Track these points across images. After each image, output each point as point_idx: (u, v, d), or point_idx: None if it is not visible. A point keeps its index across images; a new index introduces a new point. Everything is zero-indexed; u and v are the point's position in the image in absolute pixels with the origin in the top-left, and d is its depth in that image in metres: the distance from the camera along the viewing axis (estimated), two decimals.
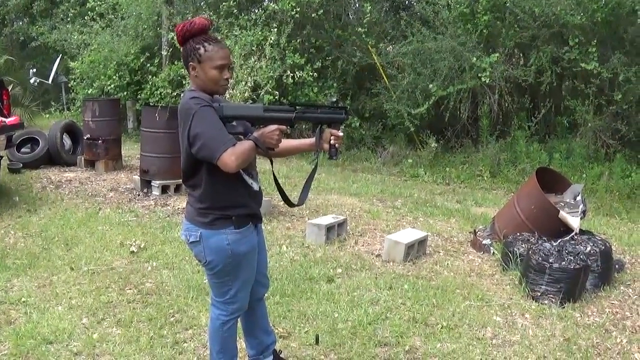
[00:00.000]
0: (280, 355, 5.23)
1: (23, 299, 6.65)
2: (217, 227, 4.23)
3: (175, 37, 17.10)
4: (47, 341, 5.69)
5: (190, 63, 4.13)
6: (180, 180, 11.30)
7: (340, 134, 4.29)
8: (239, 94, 13.42)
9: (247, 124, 4.31)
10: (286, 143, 4.42)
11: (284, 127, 4.11)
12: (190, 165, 4.20)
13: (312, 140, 4.41)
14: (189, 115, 3.99)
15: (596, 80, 13.53)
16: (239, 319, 4.74)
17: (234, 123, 4.14)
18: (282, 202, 10.44)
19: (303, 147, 4.66)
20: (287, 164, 15.28)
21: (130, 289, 6.99)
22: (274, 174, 4.77)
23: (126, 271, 7.48)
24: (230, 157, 3.84)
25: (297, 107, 4.25)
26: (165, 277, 7.21)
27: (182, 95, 4.21)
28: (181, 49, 4.23)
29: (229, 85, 4.35)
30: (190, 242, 4.36)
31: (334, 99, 4.54)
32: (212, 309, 4.62)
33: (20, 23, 26.73)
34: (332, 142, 4.26)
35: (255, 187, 4.39)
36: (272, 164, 4.66)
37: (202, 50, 4.09)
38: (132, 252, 8.10)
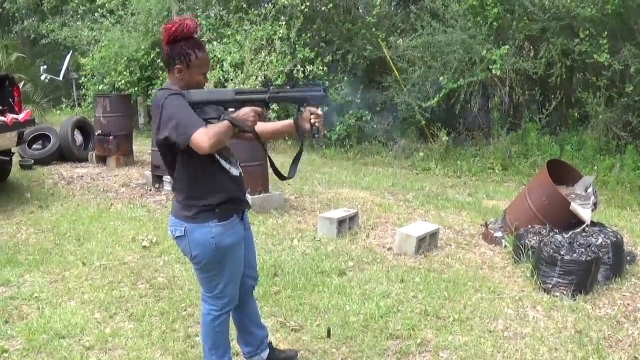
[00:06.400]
0: (275, 346, 5.24)
1: (35, 294, 6.68)
2: (200, 220, 4.21)
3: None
4: (59, 336, 5.71)
5: (178, 65, 4.13)
6: None
7: (319, 111, 4.19)
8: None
9: (221, 109, 4.23)
10: (266, 126, 4.45)
11: (258, 108, 4.06)
12: (166, 159, 4.23)
13: (292, 121, 4.37)
14: (158, 107, 4.01)
15: (607, 72, 13.49)
16: (231, 316, 4.75)
17: (204, 108, 4.11)
18: (294, 196, 10.58)
19: (283, 129, 4.60)
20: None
21: (142, 283, 7.01)
22: (265, 149, 4.76)
23: (138, 266, 7.51)
24: (202, 137, 3.80)
25: (272, 87, 4.20)
26: (177, 272, 7.23)
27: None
28: (165, 47, 4.19)
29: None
30: (176, 237, 4.35)
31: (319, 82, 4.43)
32: (202, 304, 4.61)
33: (31, 20, 26.73)
34: (312, 120, 4.18)
35: (235, 172, 4.35)
36: (260, 141, 4.54)
37: (193, 57, 4.12)
38: (144, 246, 8.12)
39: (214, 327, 4.56)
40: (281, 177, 4.59)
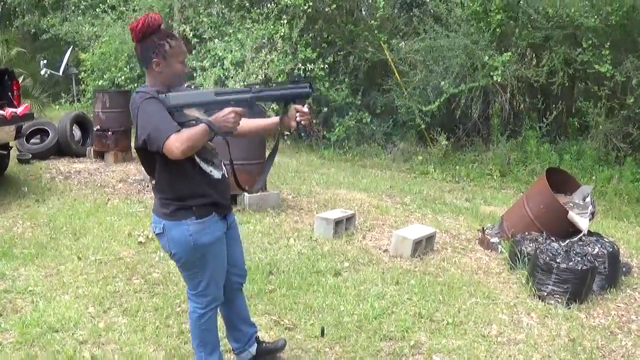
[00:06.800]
0: (261, 340, 5.22)
1: (30, 288, 6.68)
2: (178, 217, 4.20)
3: (184, 30, 17.28)
4: (52, 329, 5.71)
5: (154, 59, 4.08)
6: None
7: (306, 109, 4.13)
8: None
9: (202, 110, 4.18)
10: (250, 123, 4.39)
11: (239, 109, 3.97)
12: (146, 163, 4.22)
13: (278, 118, 4.34)
14: (134, 111, 3.98)
15: (609, 83, 13.54)
16: (218, 313, 4.74)
17: (185, 111, 4.06)
18: (291, 195, 10.58)
19: (268, 127, 4.54)
20: (296, 158, 15.31)
21: (137, 279, 7.00)
22: (230, 156, 4.63)
23: (133, 261, 7.49)
24: (174, 144, 3.76)
25: (255, 86, 4.13)
26: (172, 268, 7.19)
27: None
28: (138, 46, 4.15)
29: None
30: (157, 234, 4.35)
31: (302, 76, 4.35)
32: (189, 302, 4.61)
33: (32, 15, 26.69)
34: (298, 119, 4.12)
35: (216, 174, 4.30)
36: (228, 145, 4.52)
37: (167, 47, 4.07)
38: (140, 242, 8.11)
39: (200, 324, 4.55)
40: (242, 189, 4.59)
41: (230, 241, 4.58)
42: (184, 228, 4.19)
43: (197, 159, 4.16)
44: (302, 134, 4.13)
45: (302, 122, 4.12)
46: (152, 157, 4.07)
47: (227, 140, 4.48)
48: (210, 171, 4.26)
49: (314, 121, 4.33)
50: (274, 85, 4.15)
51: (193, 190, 4.18)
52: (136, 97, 4.02)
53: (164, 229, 4.24)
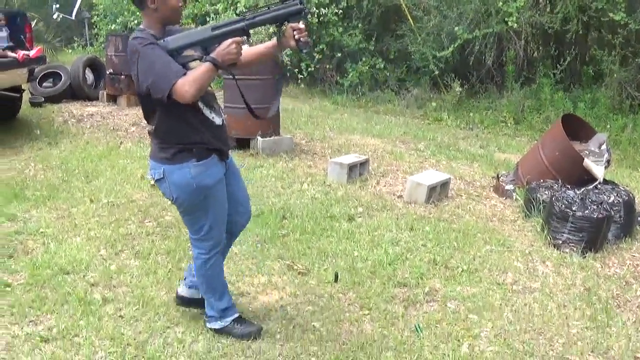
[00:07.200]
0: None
1: (41, 230, 6.69)
2: (178, 161, 4.17)
3: None
4: (64, 271, 5.72)
5: None
6: None
7: (302, 25, 4.07)
8: (263, 31, 13.36)
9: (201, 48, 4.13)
10: (249, 51, 4.34)
11: (239, 38, 3.94)
12: (144, 103, 4.18)
13: (274, 40, 4.28)
14: (134, 56, 3.93)
15: (623, 31, 13.37)
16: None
17: (184, 53, 4.02)
18: (305, 140, 10.54)
19: (267, 51, 4.46)
20: (309, 103, 15.29)
21: (149, 221, 6.99)
22: (239, 88, 4.65)
23: (146, 204, 7.50)
24: (183, 88, 3.77)
25: (247, 13, 4.09)
26: None
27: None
28: None
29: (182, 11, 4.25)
30: (156, 180, 4.32)
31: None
32: (192, 248, 4.61)
33: None
34: (296, 36, 4.06)
35: (218, 121, 4.30)
36: (234, 78, 4.57)
37: None
38: (153, 185, 8.05)
39: (205, 270, 4.56)
40: (255, 116, 4.54)
41: (231, 178, 4.56)
42: (185, 171, 4.17)
43: (200, 104, 4.14)
44: (304, 51, 4.08)
45: (302, 39, 4.07)
46: (152, 103, 4.04)
47: (234, 75, 4.53)
48: (212, 117, 4.25)
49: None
50: (265, 9, 4.06)
51: (194, 138, 4.16)
52: (134, 42, 3.95)
53: (164, 173, 4.21)
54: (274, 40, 4.28)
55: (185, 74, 3.82)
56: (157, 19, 4.07)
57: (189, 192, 4.22)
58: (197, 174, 4.18)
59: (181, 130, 4.13)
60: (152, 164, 4.31)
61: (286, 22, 4.09)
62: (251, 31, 4.05)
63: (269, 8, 4.08)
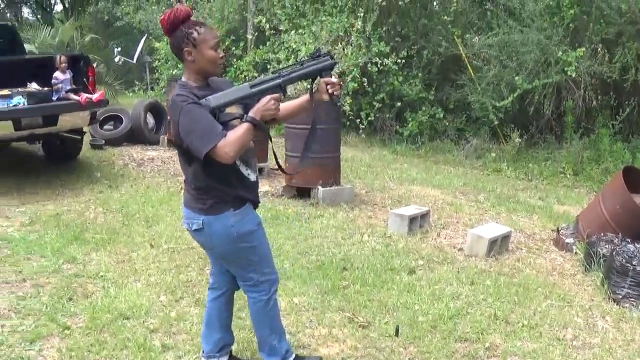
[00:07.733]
0: (237, 356, 5.19)
1: (101, 274, 6.82)
2: (217, 211, 4.24)
3: (260, 21, 17.39)
4: (123, 316, 5.81)
5: (186, 49, 4.11)
6: (266, 162, 11.36)
7: (334, 80, 4.23)
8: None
9: (241, 107, 4.26)
10: (285, 106, 4.41)
11: (276, 95, 4.06)
12: (182, 155, 4.27)
13: (307, 95, 4.40)
14: (176, 113, 4.02)
15: None
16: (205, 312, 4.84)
17: (226, 111, 4.13)
18: (365, 190, 10.61)
19: (302, 105, 4.52)
20: (369, 152, 15.34)
21: (209, 269, 7.08)
22: (271, 143, 4.72)
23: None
24: (224, 149, 3.86)
25: (282, 71, 4.22)
26: None
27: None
28: (170, 39, 4.21)
29: (223, 63, 4.35)
30: (194, 230, 4.38)
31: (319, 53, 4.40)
32: (247, 296, 4.64)
33: (105, 2, 27.02)
34: (329, 90, 4.22)
35: (252, 177, 4.38)
36: (270, 139, 4.63)
37: (195, 34, 4.09)
38: None
39: (268, 311, 4.60)
40: (284, 172, 4.65)
41: None
42: (225, 222, 4.25)
43: (238, 161, 4.22)
44: (337, 103, 4.24)
45: (335, 93, 4.25)
46: (190, 158, 4.15)
47: (270, 137, 4.59)
48: (248, 174, 4.34)
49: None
50: (299, 65, 4.20)
51: (229, 192, 4.25)
52: (176, 99, 4.06)
53: (203, 224, 4.28)
54: (307, 95, 4.41)
55: (225, 135, 3.92)
56: (196, 70, 4.20)
57: (230, 241, 4.31)
58: (236, 222, 4.26)
59: (218, 186, 4.21)
60: (187, 213, 4.40)
61: (319, 77, 4.25)
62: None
63: (302, 64, 4.24)
